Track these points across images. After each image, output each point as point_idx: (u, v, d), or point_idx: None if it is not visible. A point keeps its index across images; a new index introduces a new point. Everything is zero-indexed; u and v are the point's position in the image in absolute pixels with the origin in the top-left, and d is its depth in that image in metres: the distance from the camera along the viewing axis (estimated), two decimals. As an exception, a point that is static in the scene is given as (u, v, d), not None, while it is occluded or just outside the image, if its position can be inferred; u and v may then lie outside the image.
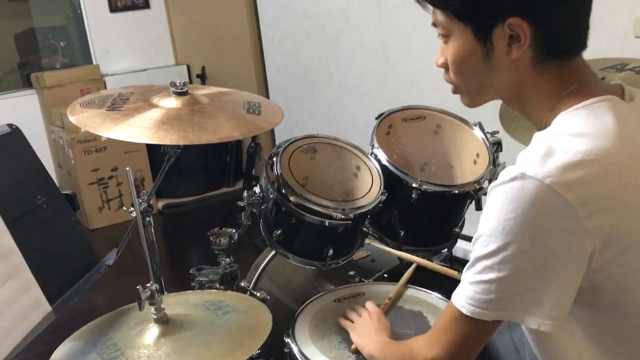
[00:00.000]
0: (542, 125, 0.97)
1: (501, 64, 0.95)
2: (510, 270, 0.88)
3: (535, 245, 0.86)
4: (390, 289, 1.59)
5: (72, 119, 1.45)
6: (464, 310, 0.94)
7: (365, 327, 1.35)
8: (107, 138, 1.33)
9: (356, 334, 1.34)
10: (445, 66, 1.04)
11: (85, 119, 1.45)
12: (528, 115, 1.02)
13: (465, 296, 0.94)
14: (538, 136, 0.92)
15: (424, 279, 1.67)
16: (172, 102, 1.54)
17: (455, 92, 1.06)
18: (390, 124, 1.86)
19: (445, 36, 1.00)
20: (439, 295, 1.55)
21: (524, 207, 0.85)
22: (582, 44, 0.97)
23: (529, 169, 0.85)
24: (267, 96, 4.22)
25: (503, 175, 0.89)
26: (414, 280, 1.63)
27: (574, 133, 0.89)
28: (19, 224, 1.31)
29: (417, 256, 1.85)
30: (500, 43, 0.93)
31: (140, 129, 1.41)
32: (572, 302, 0.91)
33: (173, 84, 1.56)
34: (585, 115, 0.91)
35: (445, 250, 1.96)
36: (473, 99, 1.05)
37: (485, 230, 0.90)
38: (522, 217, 0.85)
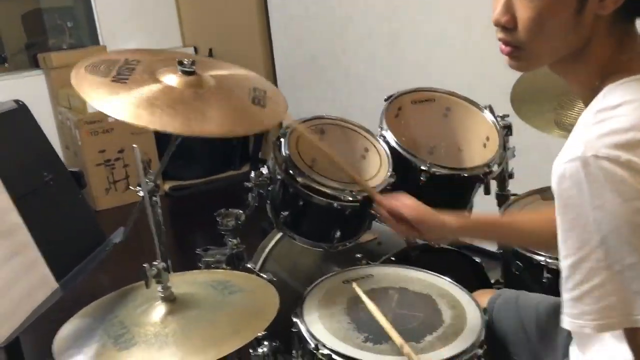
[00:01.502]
0: (588, 94, 0.92)
1: (586, 21, 0.88)
2: (619, 263, 0.79)
3: (635, 230, 0.78)
4: (399, 271, 1.58)
5: (76, 84, 1.37)
6: (587, 330, 0.83)
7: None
8: (114, 119, 1.28)
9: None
10: (510, 24, 0.92)
11: (90, 90, 1.37)
12: (574, 81, 0.96)
13: (580, 313, 0.83)
14: (591, 115, 0.85)
15: (433, 262, 1.66)
16: (177, 81, 1.50)
17: (509, 53, 0.95)
18: (400, 106, 1.84)
19: None
20: (448, 279, 1.54)
21: (608, 191, 0.78)
22: None
23: (599, 150, 0.79)
24: (275, 80, 4.19)
25: (570, 164, 0.80)
26: (424, 264, 1.62)
27: (629, 104, 0.83)
28: (25, 200, 1.30)
29: (425, 240, 1.84)
30: None
31: (144, 112, 1.36)
32: None
33: (181, 63, 1.53)
34: (635, 88, 0.86)
35: (453, 234, 1.95)
36: (536, 62, 0.96)
37: (571, 231, 0.81)
38: (611, 203, 0.78)
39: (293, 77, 4.09)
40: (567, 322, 0.85)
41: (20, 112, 1.46)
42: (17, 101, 1.46)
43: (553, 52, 0.94)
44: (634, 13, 0.90)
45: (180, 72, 1.52)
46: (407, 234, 1.40)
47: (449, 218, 1.33)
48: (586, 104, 0.92)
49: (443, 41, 2.92)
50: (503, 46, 0.95)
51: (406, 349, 1.21)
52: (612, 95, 0.87)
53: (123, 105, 1.37)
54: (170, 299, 1.17)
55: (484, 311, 1.39)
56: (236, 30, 4.51)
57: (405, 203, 1.38)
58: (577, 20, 0.88)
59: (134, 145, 1.16)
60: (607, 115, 0.83)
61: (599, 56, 0.92)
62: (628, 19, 0.90)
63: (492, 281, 1.84)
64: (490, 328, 1.37)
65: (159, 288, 1.16)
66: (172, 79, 1.50)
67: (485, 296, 1.48)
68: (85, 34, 4.87)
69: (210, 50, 4.80)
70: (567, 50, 0.93)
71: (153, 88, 1.43)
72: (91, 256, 1.44)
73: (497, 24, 0.93)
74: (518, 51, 0.94)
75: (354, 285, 1.44)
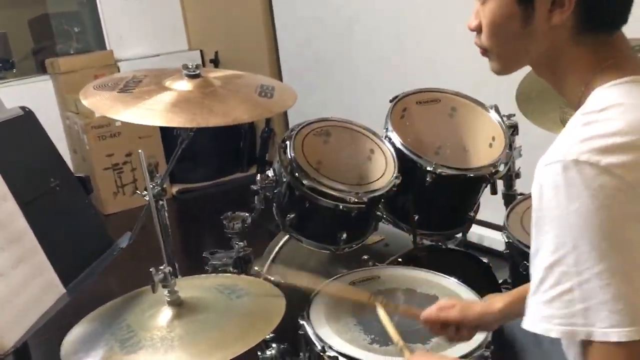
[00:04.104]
0: (576, 100, 0.92)
1: (539, 31, 0.91)
2: (589, 271, 0.77)
3: (608, 238, 0.77)
4: (406, 273, 1.58)
5: (85, 101, 1.46)
6: (553, 334, 0.80)
7: None
8: (121, 123, 1.33)
9: None
10: (478, 29, 0.98)
11: (97, 101, 1.45)
12: (560, 88, 0.97)
13: (549, 316, 0.81)
14: (578, 117, 0.85)
15: (440, 263, 1.66)
16: (184, 85, 1.53)
17: (484, 55, 1.00)
18: (405, 107, 1.84)
19: None
20: (455, 280, 1.53)
21: (585, 197, 0.77)
22: (624, 18, 0.91)
23: (580, 154, 0.78)
24: (281, 81, 4.20)
25: (550, 167, 0.80)
26: (430, 265, 1.62)
27: (615, 108, 0.83)
28: (32, 206, 1.31)
29: (432, 240, 1.84)
30: (542, 7, 0.89)
31: (149, 112, 1.41)
32: None
33: (185, 67, 1.55)
34: (624, 91, 0.86)
35: (460, 234, 1.95)
36: (504, 65, 0.99)
37: (548, 233, 0.80)
38: (586, 208, 0.76)
39: (299, 78, 4.09)
40: (532, 323, 0.83)
41: (27, 119, 1.47)
42: (23, 108, 1.47)
43: (517, 57, 0.97)
44: (595, 26, 0.90)
45: (185, 77, 1.55)
46: (454, 338, 1.29)
47: (492, 304, 1.25)
48: (575, 109, 0.91)
49: (449, 41, 2.91)
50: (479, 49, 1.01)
51: (400, 343, 1.20)
52: (599, 98, 0.87)
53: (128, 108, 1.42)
54: (177, 303, 1.17)
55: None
56: (242, 33, 4.52)
57: (445, 308, 1.28)
58: (527, 30, 0.92)
59: (140, 151, 1.16)
60: (592, 118, 0.83)
61: (574, 65, 0.92)
62: (594, 30, 0.90)
63: (500, 281, 1.83)
64: (498, 328, 1.37)
65: (166, 292, 1.17)
66: (179, 84, 1.53)
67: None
68: (92, 39, 4.90)
69: (216, 53, 4.81)
70: (536, 56, 0.95)
71: (160, 94, 1.47)
72: (98, 261, 1.44)
73: (469, 28, 1.00)
74: (487, 54, 0.99)
75: (377, 305, 1.34)
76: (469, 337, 1.28)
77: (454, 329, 1.26)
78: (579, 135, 0.81)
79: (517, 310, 1.19)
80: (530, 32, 0.92)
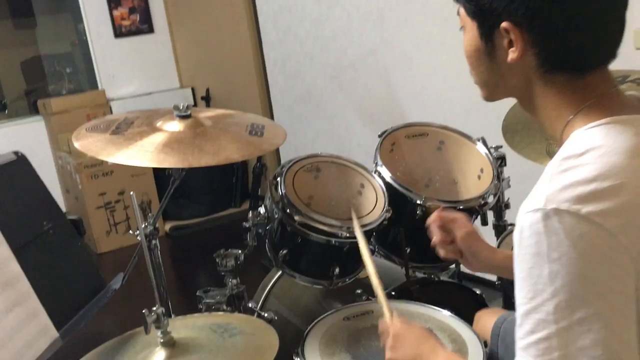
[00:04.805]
0: (558, 136, 0.93)
1: (505, 66, 0.93)
2: (568, 319, 0.78)
3: (588, 285, 0.77)
4: (399, 306, 1.58)
5: (77, 144, 1.47)
6: None
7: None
8: (113, 162, 1.35)
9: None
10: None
11: (89, 143, 1.47)
12: (540, 123, 0.98)
13: None
14: (558, 162, 0.85)
15: (433, 295, 1.66)
16: (175, 126, 1.55)
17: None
18: (394, 142, 1.87)
19: (462, 28, 0.99)
20: (448, 313, 1.54)
21: (565, 246, 0.77)
22: (601, 58, 0.91)
23: (560, 203, 0.79)
24: (272, 117, 4.24)
25: (531, 215, 0.81)
26: (423, 298, 1.63)
27: (594, 152, 0.83)
28: (25, 250, 1.32)
29: (424, 272, 1.85)
30: (501, 45, 0.92)
31: (141, 153, 1.42)
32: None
33: (176, 108, 1.58)
34: (603, 133, 0.85)
35: (453, 265, 1.96)
36: (487, 93, 1.02)
37: (526, 280, 0.81)
38: (567, 257, 0.77)
39: (290, 113, 4.13)
40: None
41: (20, 163, 1.49)
42: (16, 152, 1.49)
43: (494, 87, 1.00)
44: (562, 67, 0.90)
45: (177, 117, 1.57)
46: (449, 255, 1.41)
47: (494, 249, 1.38)
48: (558, 146, 0.92)
49: (436, 72, 2.96)
50: None
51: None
52: (577, 142, 0.87)
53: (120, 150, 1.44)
54: (170, 344, 1.17)
55: (485, 343, 1.39)
56: (232, 70, 4.58)
57: (462, 222, 1.41)
58: (495, 64, 0.95)
59: (132, 193, 1.18)
60: (571, 163, 0.83)
61: (550, 103, 0.93)
62: (562, 71, 0.90)
63: (494, 312, 1.83)
64: (494, 353, 1.37)
65: (159, 333, 1.17)
66: (170, 125, 1.55)
67: (490, 316, 1.48)
68: (84, 79, 4.95)
69: (208, 90, 4.86)
70: (511, 89, 0.98)
71: (152, 135, 1.50)
72: (91, 303, 1.44)
73: None
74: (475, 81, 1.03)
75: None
76: (456, 257, 1.41)
77: (450, 241, 1.39)
78: (559, 183, 0.81)
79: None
80: (497, 66, 0.95)
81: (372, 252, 1.80)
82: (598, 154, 0.83)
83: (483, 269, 1.39)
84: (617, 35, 0.91)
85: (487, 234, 2.01)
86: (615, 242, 0.78)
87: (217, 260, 1.68)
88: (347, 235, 1.59)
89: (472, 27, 0.95)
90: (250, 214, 1.68)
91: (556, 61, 0.90)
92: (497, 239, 1.89)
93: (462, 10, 0.98)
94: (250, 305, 1.73)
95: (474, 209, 1.75)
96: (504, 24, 0.89)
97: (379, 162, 1.77)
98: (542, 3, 0.86)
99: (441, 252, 1.42)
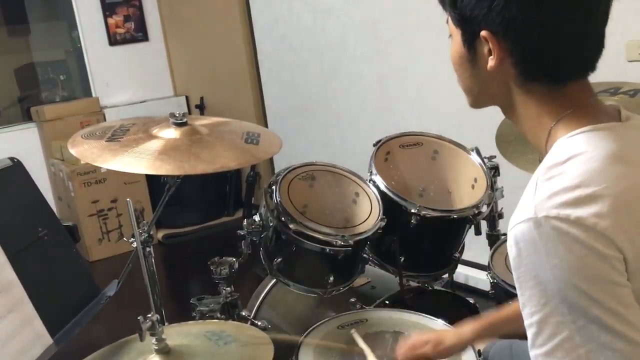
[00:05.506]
0: (542, 145, 0.94)
1: (486, 74, 0.94)
2: (584, 318, 0.80)
3: (593, 283, 0.79)
4: (393, 315, 1.59)
5: (73, 150, 1.47)
6: None
7: None
8: (107, 169, 1.35)
9: None
10: None
11: (85, 150, 1.47)
12: (523, 132, 0.99)
13: None
14: (542, 171, 0.86)
15: (427, 304, 1.67)
16: (171, 133, 1.55)
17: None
18: (388, 151, 1.88)
19: (450, 36, 1.00)
20: (443, 322, 1.54)
21: (562, 251, 0.79)
22: (578, 71, 0.92)
23: (549, 210, 0.80)
24: (266, 126, 4.24)
25: (523, 225, 0.82)
26: (417, 307, 1.63)
27: (576, 159, 0.85)
28: (20, 256, 1.31)
29: (418, 281, 1.86)
30: (482, 53, 0.93)
31: (137, 160, 1.43)
32: None
33: (172, 115, 1.58)
34: (584, 140, 0.87)
35: (446, 275, 1.96)
36: (472, 100, 1.03)
37: (535, 288, 0.82)
38: (566, 261, 0.79)
39: (284, 122, 4.14)
40: None
41: (15, 169, 1.48)
42: (12, 159, 1.49)
43: (477, 94, 1.01)
44: (540, 76, 0.91)
45: (173, 125, 1.57)
46: None
47: (462, 333, 1.35)
48: (542, 155, 0.93)
49: (430, 82, 2.98)
50: None
51: None
52: (561, 150, 0.88)
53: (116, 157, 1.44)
54: (165, 351, 1.17)
55: (479, 353, 1.39)
56: (227, 78, 4.58)
57: (418, 342, 1.37)
58: (477, 71, 0.96)
59: (128, 200, 1.18)
60: (556, 171, 0.85)
61: (530, 112, 0.94)
62: (540, 80, 0.92)
63: (487, 321, 1.84)
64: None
65: (153, 340, 1.17)
66: (166, 132, 1.56)
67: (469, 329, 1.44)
68: (77, 86, 4.94)
69: (202, 98, 4.86)
70: (493, 97, 0.99)
71: (148, 142, 1.50)
72: (85, 310, 1.44)
73: None
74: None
75: (353, 332, 1.44)
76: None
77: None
78: (546, 191, 0.83)
79: (486, 334, 1.35)
80: (479, 73, 0.96)
81: (366, 260, 1.80)
82: (581, 160, 0.84)
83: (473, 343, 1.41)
84: (593, 50, 0.92)
85: (481, 244, 2.03)
86: (609, 242, 0.79)
87: (212, 267, 1.69)
88: (342, 243, 1.59)
89: (457, 34, 0.97)
90: (245, 222, 1.69)
91: (533, 71, 0.91)
92: (491, 249, 1.90)
93: (448, 17, 0.99)
94: (243, 313, 1.74)
95: (467, 219, 1.77)
96: (482, 32, 0.91)
97: (374, 171, 1.78)
98: (517, 13, 0.87)
99: None
